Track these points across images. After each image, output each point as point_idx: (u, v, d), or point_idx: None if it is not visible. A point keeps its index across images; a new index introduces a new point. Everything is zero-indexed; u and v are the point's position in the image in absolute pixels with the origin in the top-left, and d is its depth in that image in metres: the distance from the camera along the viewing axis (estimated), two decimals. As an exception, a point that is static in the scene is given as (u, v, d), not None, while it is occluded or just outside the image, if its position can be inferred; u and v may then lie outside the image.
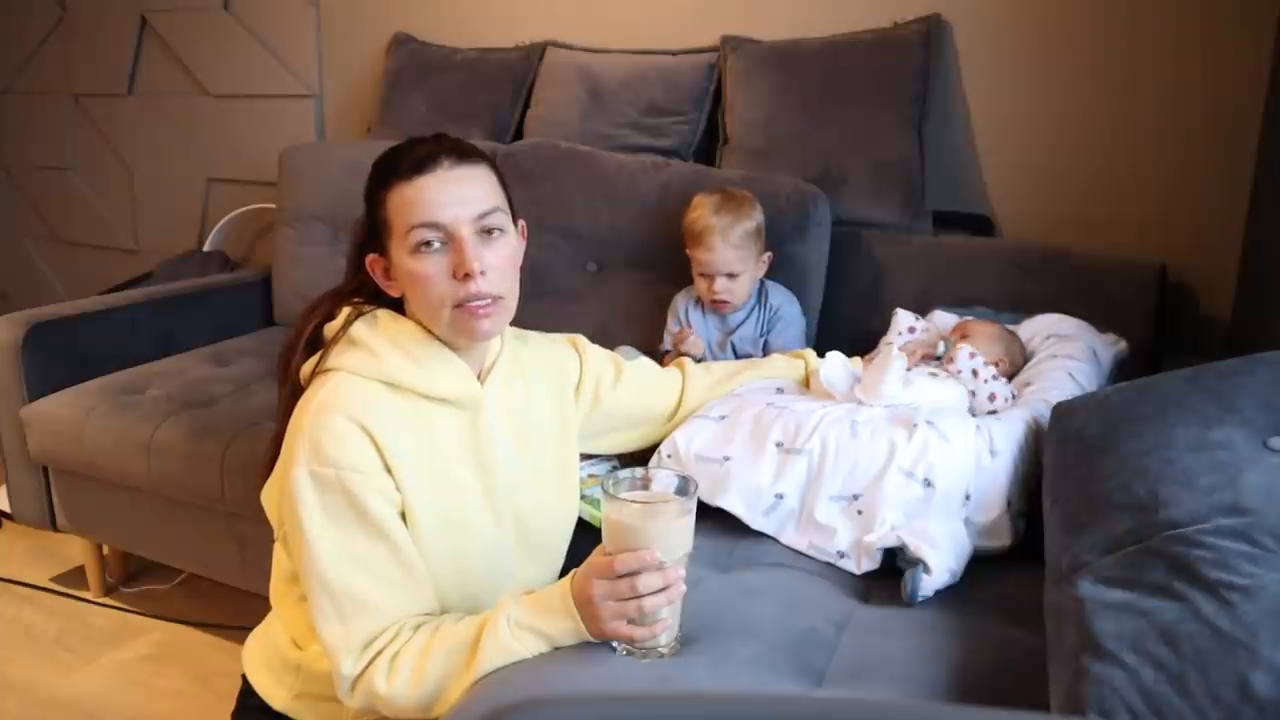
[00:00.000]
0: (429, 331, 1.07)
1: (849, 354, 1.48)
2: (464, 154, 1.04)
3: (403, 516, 1.03)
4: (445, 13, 2.58)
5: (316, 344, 1.09)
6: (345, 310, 1.09)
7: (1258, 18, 1.71)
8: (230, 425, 1.82)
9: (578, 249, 2.02)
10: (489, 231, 1.03)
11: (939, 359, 1.52)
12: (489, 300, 1.03)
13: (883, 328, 1.67)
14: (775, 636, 1.01)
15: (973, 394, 1.41)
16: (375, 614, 0.99)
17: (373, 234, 1.07)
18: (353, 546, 0.99)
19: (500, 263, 1.04)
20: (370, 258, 1.07)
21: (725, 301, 1.71)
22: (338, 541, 0.99)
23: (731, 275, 1.69)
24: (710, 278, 1.70)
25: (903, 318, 1.66)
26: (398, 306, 1.09)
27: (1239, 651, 0.75)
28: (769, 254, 1.73)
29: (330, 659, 0.99)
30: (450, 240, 1.01)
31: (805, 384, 1.46)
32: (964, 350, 1.43)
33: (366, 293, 1.11)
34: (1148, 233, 1.87)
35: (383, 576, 1.00)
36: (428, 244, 1.01)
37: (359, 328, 1.06)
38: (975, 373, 1.41)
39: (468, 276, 1.01)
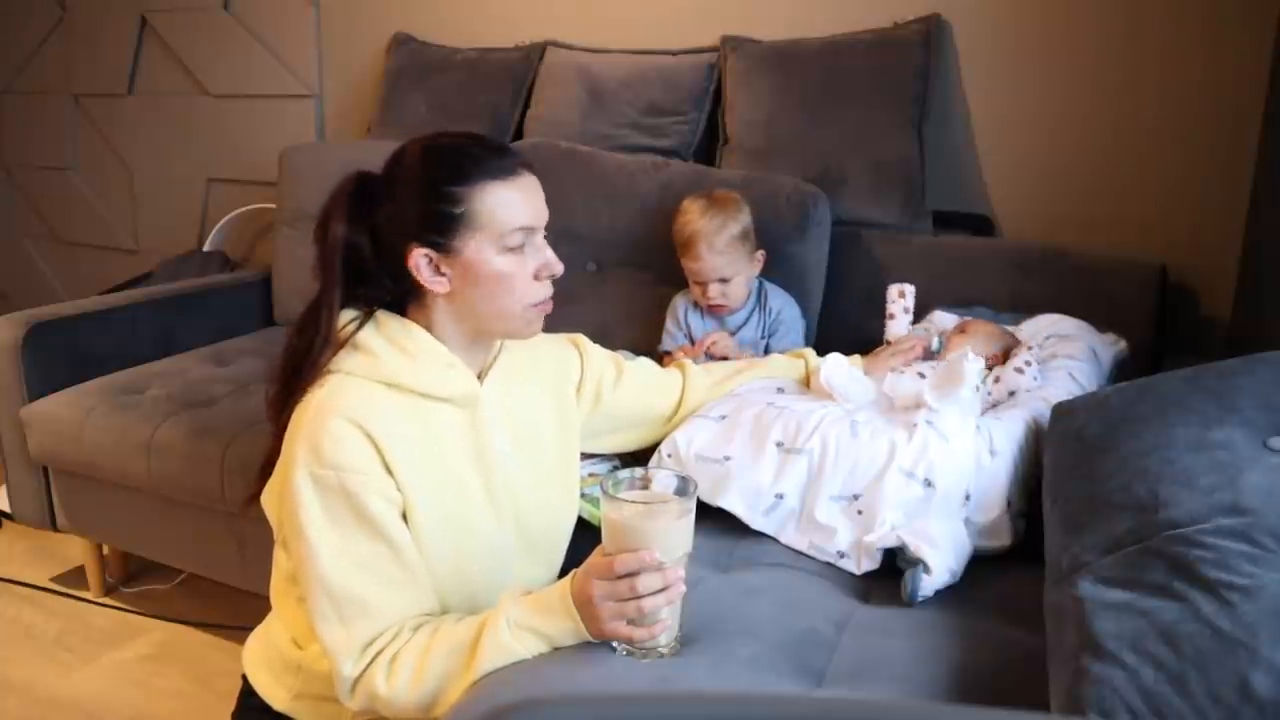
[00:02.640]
0: (429, 331, 1.07)
1: (849, 354, 1.48)
2: (531, 165, 1.09)
3: (403, 517, 1.03)
4: (445, 13, 2.58)
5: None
6: (346, 313, 1.08)
7: (1258, 18, 1.71)
8: (230, 425, 1.82)
9: (578, 249, 2.02)
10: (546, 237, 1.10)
11: (934, 354, 1.52)
12: (551, 301, 1.10)
13: (881, 328, 1.67)
14: (775, 636, 1.01)
15: (995, 383, 1.40)
16: (376, 615, 0.99)
17: (428, 227, 1.03)
18: (353, 548, 0.99)
19: None
20: (418, 250, 1.03)
21: (722, 305, 1.71)
22: (338, 543, 0.99)
23: (724, 280, 1.68)
24: (704, 284, 1.69)
25: (939, 318, 1.66)
26: (395, 306, 1.09)
27: (1239, 651, 0.75)
28: (761, 252, 1.73)
29: (330, 660, 0.99)
30: (532, 243, 1.07)
31: (805, 383, 1.46)
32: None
33: (363, 295, 1.08)
34: (1148, 233, 1.87)
35: (383, 577, 1.00)
36: (520, 245, 1.05)
37: (362, 332, 1.05)
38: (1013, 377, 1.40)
39: (551, 278, 1.09)
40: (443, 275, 1.05)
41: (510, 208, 1.04)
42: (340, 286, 1.06)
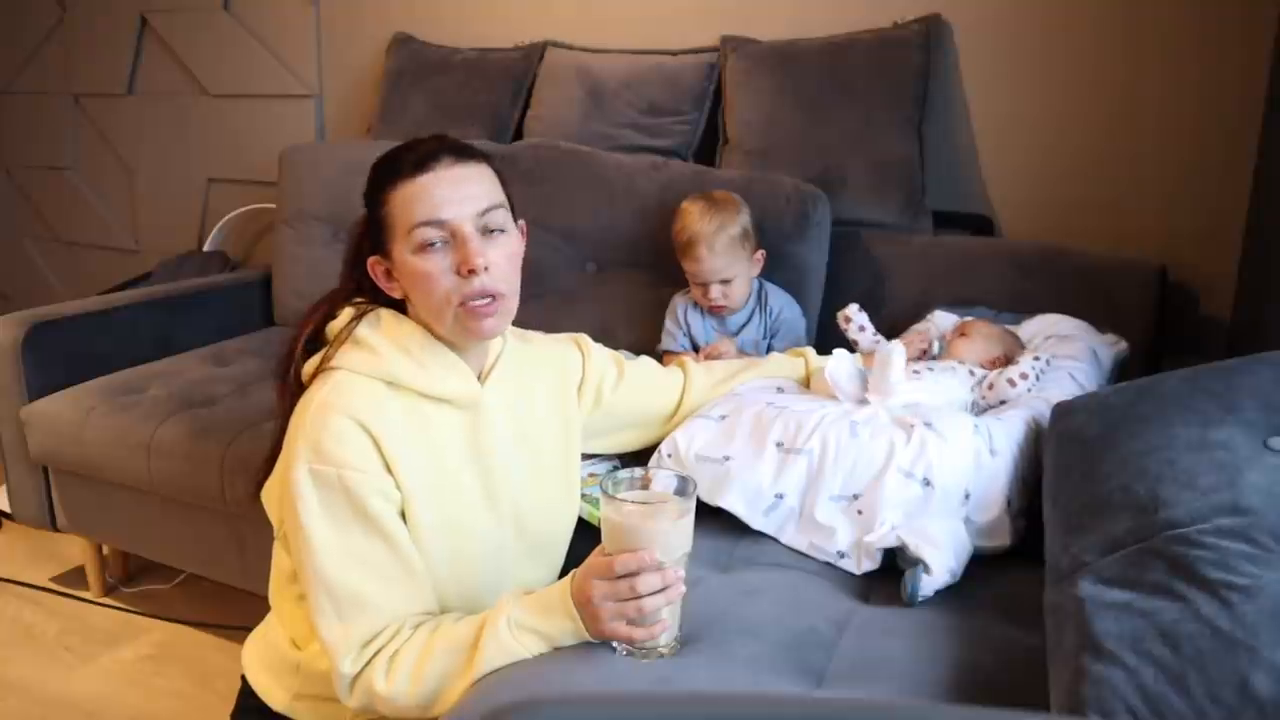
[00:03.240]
0: (431, 332, 1.07)
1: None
2: (463, 152, 1.04)
3: (402, 516, 1.03)
4: (445, 13, 2.58)
5: (317, 344, 1.09)
6: (347, 310, 1.09)
7: (1258, 18, 1.71)
8: (230, 425, 1.82)
9: (578, 249, 2.02)
10: (490, 230, 1.04)
11: (935, 357, 1.52)
12: (492, 298, 1.03)
13: (881, 328, 1.67)
14: (775, 636, 1.01)
15: (988, 389, 1.41)
16: (374, 613, 0.99)
17: (374, 236, 1.06)
18: (352, 545, 0.99)
19: (502, 260, 1.04)
20: (371, 260, 1.07)
21: (722, 306, 1.71)
22: (337, 540, 0.99)
23: (725, 281, 1.68)
24: (704, 285, 1.69)
25: (939, 318, 1.66)
26: (399, 307, 1.09)
27: (1239, 651, 0.75)
28: (761, 252, 1.73)
29: (329, 658, 0.99)
30: (453, 238, 1.02)
31: (806, 383, 1.46)
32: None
33: (366, 294, 1.11)
34: (1148, 233, 1.87)
35: (382, 575, 1.00)
36: (430, 243, 1.01)
37: (361, 327, 1.06)
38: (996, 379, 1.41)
39: (471, 273, 1.01)
40: (394, 280, 1.06)
41: (410, 205, 1.01)
42: (350, 282, 1.12)
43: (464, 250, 1.01)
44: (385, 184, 1.04)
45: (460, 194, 1.02)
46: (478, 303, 1.02)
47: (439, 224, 1.01)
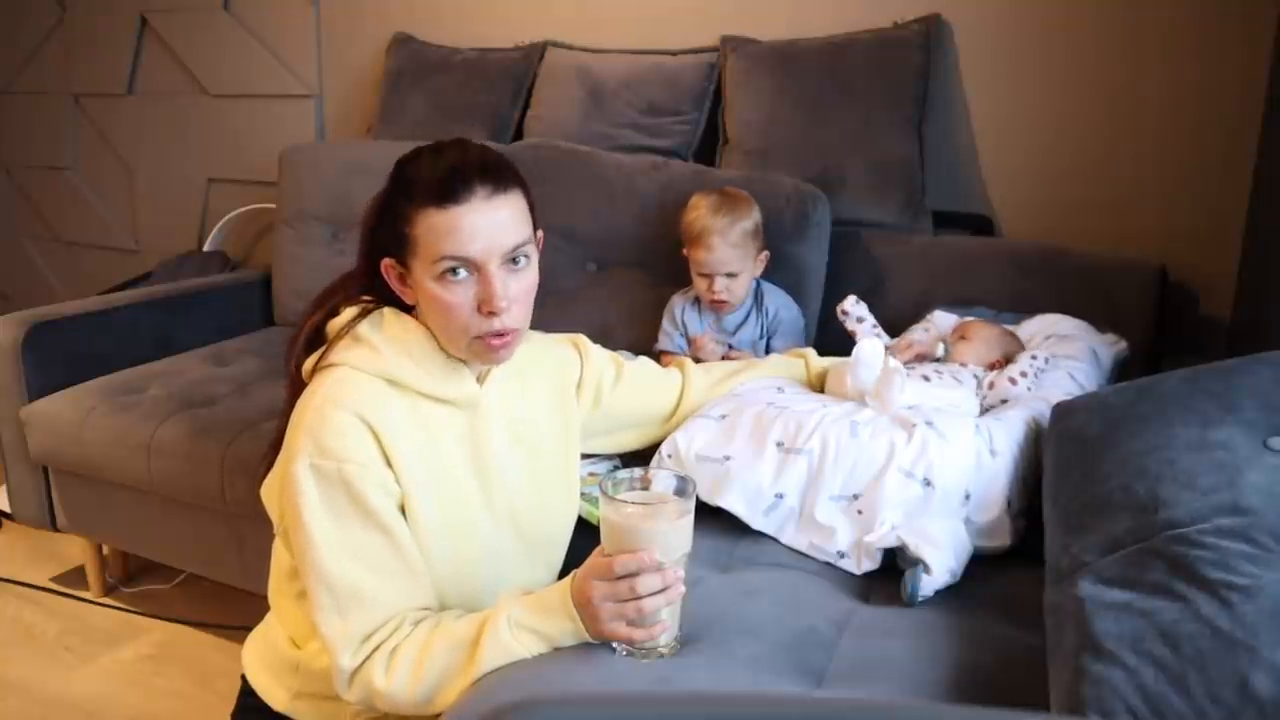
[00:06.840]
0: (434, 334, 1.07)
1: (848, 354, 1.47)
2: (499, 181, 1.01)
3: (402, 512, 1.03)
4: (445, 13, 2.58)
5: (319, 340, 1.09)
6: (350, 308, 1.09)
7: (1258, 18, 1.71)
8: (230, 425, 1.82)
9: (578, 249, 2.02)
10: (515, 261, 1.03)
11: (939, 360, 1.52)
12: (507, 334, 1.03)
13: (883, 327, 1.67)
14: (775, 636, 1.01)
15: (989, 388, 1.41)
16: (374, 607, 0.99)
17: (393, 240, 1.04)
18: (352, 539, 0.99)
19: (522, 294, 1.04)
20: (386, 262, 1.05)
21: (724, 301, 1.71)
22: (337, 534, 0.99)
23: (731, 275, 1.68)
24: (709, 277, 1.70)
25: (939, 318, 1.66)
26: (403, 304, 1.09)
27: (1239, 651, 0.75)
28: (766, 253, 1.73)
29: (329, 652, 0.99)
30: (478, 272, 1.00)
31: (807, 384, 1.46)
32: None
33: (376, 290, 1.10)
34: (1147, 233, 1.87)
35: (381, 569, 1.00)
36: (454, 272, 1.00)
37: (363, 325, 1.06)
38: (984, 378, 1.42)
39: (492, 313, 1.01)
40: (408, 287, 1.05)
41: (439, 237, 0.98)
42: (362, 275, 1.10)
43: (488, 290, 1.00)
44: (412, 201, 1.00)
45: (491, 228, 0.99)
46: (494, 341, 1.02)
47: (466, 259, 0.99)
